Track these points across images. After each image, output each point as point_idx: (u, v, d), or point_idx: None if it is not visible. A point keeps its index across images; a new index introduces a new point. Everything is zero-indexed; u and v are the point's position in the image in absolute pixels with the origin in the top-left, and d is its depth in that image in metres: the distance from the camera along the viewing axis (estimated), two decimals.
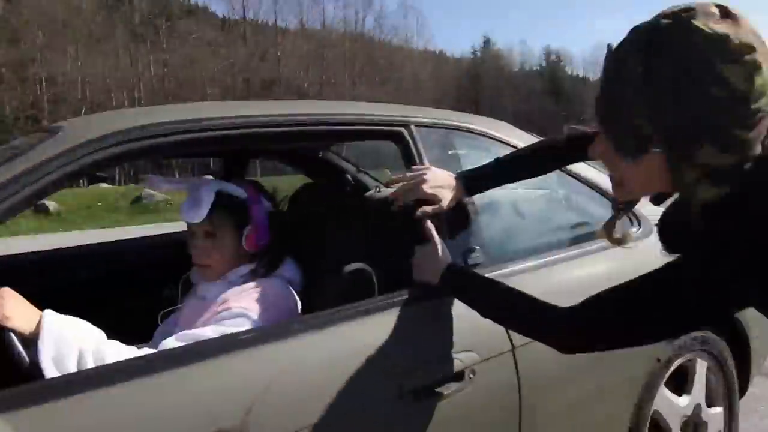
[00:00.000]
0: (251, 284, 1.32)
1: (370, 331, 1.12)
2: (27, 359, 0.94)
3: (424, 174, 1.28)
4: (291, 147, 1.98)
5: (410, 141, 1.39)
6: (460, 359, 1.17)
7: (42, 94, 38.53)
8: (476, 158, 1.71)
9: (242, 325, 1.18)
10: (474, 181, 1.33)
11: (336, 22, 48.48)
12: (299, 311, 1.34)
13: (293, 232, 1.50)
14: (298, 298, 1.36)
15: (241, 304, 1.24)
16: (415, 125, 1.42)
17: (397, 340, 1.12)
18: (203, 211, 1.29)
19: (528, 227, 1.63)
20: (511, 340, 1.25)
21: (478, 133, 1.56)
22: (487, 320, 1.09)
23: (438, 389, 1.12)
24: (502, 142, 1.58)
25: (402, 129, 1.40)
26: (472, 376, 1.17)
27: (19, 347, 0.95)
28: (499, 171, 1.34)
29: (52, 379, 0.93)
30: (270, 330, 1.08)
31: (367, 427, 1.04)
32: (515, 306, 1.04)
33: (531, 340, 1.27)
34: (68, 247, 1.74)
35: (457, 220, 1.34)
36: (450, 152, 1.50)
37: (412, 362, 1.12)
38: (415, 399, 1.09)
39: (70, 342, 0.99)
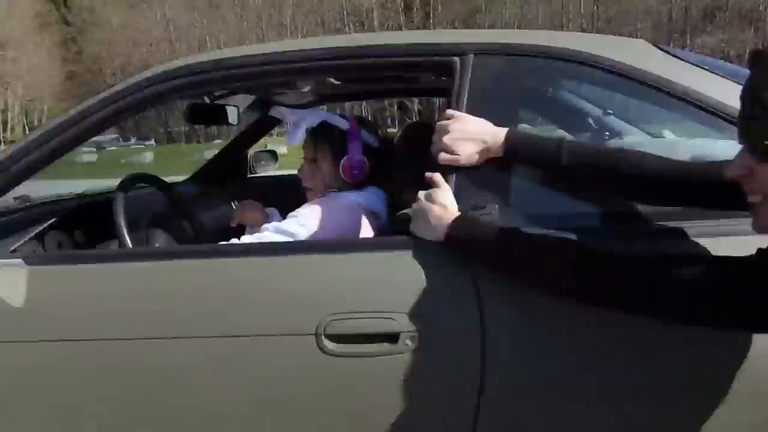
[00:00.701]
0: (321, 199, 1.47)
1: (315, 267, 1.12)
2: None
3: (450, 123, 1.11)
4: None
5: (459, 74, 1.16)
6: (400, 321, 1.05)
7: None
8: (568, 104, 1.37)
9: (291, 224, 1.38)
10: (520, 150, 1.06)
11: None
12: (359, 232, 1.42)
13: (385, 166, 1.54)
14: (361, 221, 1.44)
15: (300, 210, 1.42)
16: (476, 53, 1.18)
17: (346, 282, 1.10)
18: (297, 137, 1.48)
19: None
20: (481, 317, 1.04)
21: (582, 63, 1.15)
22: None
23: (361, 344, 1.06)
24: (630, 77, 1.12)
25: (454, 59, 1.18)
26: (409, 343, 1.05)
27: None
28: (562, 158, 1.03)
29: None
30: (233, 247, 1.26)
31: (268, 358, 1.09)
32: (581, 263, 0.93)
33: (513, 326, 1.06)
34: None
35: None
36: (509, 88, 1.21)
37: (344, 308, 1.08)
38: (333, 344, 1.06)
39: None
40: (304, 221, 1.38)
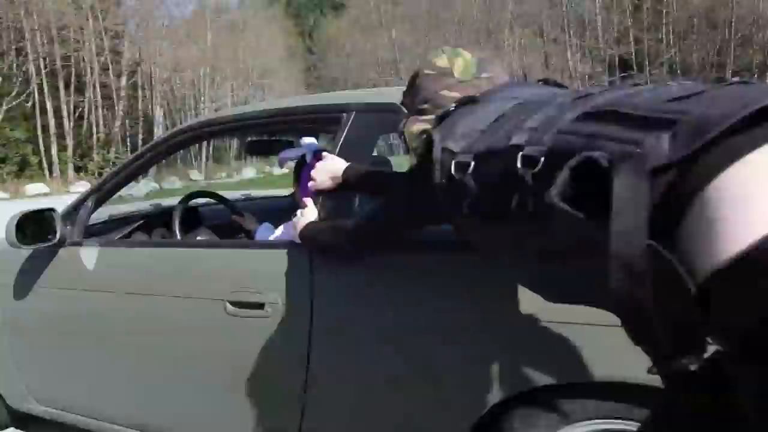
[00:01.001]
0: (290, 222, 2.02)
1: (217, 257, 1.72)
2: None
3: (319, 163, 1.59)
4: None
5: (340, 129, 1.63)
6: (265, 294, 1.57)
7: (729, 39, 37.94)
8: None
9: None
10: (350, 178, 1.50)
11: None
12: None
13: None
14: None
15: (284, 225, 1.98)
16: (357, 111, 1.63)
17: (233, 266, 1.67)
18: (281, 161, 2.06)
19: None
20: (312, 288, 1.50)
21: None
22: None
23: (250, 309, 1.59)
24: None
25: (341, 115, 1.64)
26: (269, 310, 1.55)
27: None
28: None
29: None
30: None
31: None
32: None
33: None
34: None
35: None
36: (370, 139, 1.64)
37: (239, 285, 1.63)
38: (236, 309, 1.62)
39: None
40: (281, 232, 1.94)
